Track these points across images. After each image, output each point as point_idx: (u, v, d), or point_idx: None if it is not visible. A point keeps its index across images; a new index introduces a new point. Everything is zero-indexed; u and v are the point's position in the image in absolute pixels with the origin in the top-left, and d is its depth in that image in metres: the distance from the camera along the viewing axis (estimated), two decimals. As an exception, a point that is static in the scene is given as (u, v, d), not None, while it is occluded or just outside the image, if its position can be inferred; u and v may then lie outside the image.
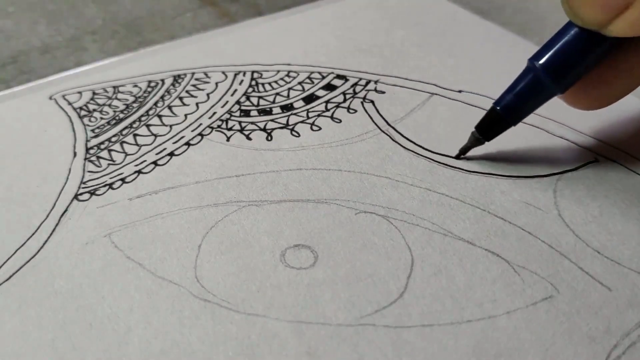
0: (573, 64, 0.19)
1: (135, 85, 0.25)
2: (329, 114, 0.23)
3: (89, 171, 0.21)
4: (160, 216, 0.19)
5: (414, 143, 0.22)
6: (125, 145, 0.22)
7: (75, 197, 0.20)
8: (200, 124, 0.23)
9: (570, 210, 0.19)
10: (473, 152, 0.21)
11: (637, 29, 0.17)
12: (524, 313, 0.16)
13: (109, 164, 0.21)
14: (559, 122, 0.22)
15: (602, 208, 0.19)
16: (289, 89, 0.25)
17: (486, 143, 0.21)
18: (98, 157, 0.21)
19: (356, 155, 0.21)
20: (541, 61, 0.19)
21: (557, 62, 0.19)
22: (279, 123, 0.23)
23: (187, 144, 0.22)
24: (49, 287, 0.17)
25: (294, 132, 0.22)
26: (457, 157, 0.21)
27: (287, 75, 0.26)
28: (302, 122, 0.23)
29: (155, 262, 0.17)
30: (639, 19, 0.16)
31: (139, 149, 0.22)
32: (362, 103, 0.24)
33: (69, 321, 0.16)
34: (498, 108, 0.20)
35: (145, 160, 0.21)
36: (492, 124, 0.20)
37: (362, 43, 0.28)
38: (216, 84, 0.25)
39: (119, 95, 0.25)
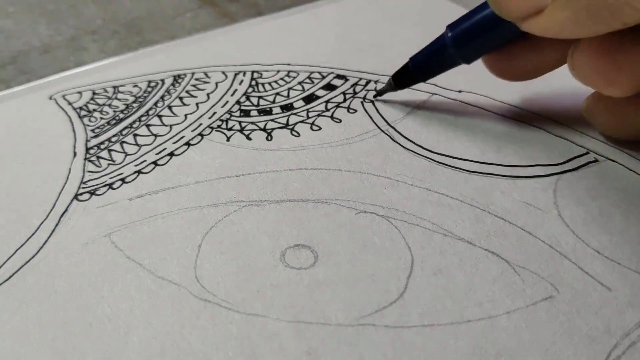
0: (478, 39, 0.20)
1: (135, 85, 0.25)
2: (329, 113, 0.23)
3: (89, 171, 0.21)
4: (160, 216, 0.19)
5: (414, 143, 0.22)
6: (125, 145, 0.22)
7: (75, 197, 0.20)
8: (200, 124, 0.23)
9: (570, 210, 0.19)
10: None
11: (546, 33, 0.18)
12: (524, 313, 0.16)
13: (109, 164, 0.21)
14: (559, 122, 0.22)
15: (602, 208, 0.19)
16: (289, 88, 0.25)
17: (484, 144, 0.21)
18: (98, 157, 0.21)
19: (356, 155, 0.21)
20: (451, 30, 0.21)
21: (463, 34, 0.20)
22: (279, 123, 0.23)
23: (187, 144, 0.22)
24: (49, 287, 0.17)
25: (294, 132, 0.22)
26: (374, 97, 0.24)
27: (287, 75, 0.26)
28: (302, 122, 0.23)
29: (155, 262, 0.17)
30: (548, 26, 0.17)
31: (139, 149, 0.22)
32: (362, 103, 0.24)
33: (69, 321, 0.16)
34: (410, 64, 0.22)
35: (145, 160, 0.21)
36: (404, 76, 0.23)
37: (362, 43, 0.28)
38: (216, 84, 0.25)
39: (119, 95, 0.25)
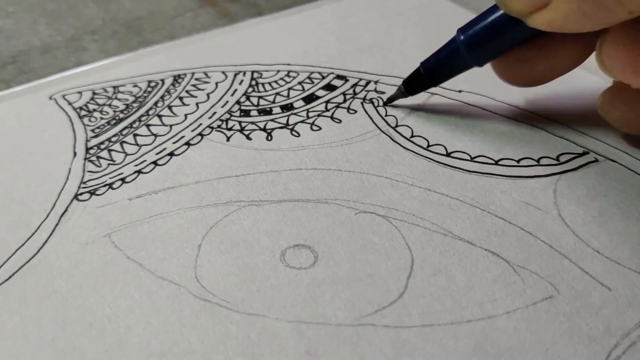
0: (490, 40, 0.20)
1: (135, 85, 0.25)
2: (329, 114, 0.23)
3: (89, 171, 0.21)
4: (160, 216, 0.19)
5: (414, 143, 0.22)
6: (125, 145, 0.22)
7: (75, 197, 0.20)
8: (200, 124, 0.23)
9: (570, 210, 0.19)
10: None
11: (552, 26, 0.18)
12: (524, 313, 0.16)
13: (109, 164, 0.21)
14: (559, 122, 0.22)
15: (602, 208, 0.19)
16: (289, 88, 0.25)
17: (485, 144, 0.21)
18: (98, 157, 0.21)
19: (356, 155, 0.21)
20: (463, 33, 0.21)
21: (476, 37, 0.20)
22: (279, 123, 0.23)
23: (187, 144, 0.22)
24: (49, 287, 0.17)
25: (294, 132, 0.22)
26: (384, 104, 0.24)
27: (287, 75, 0.26)
28: (302, 122, 0.23)
29: (155, 262, 0.17)
30: (553, 19, 0.17)
31: (139, 149, 0.22)
32: (362, 104, 0.24)
33: (69, 321, 0.16)
34: (422, 69, 0.22)
35: (145, 160, 0.21)
36: (415, 82, 0.23)
37: (362, 43, 0.28)
38: (216, 83, 0.25)
39: (119, 95, 0.25)
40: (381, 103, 0.24)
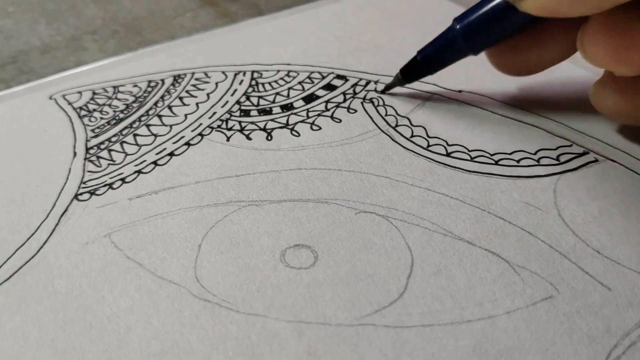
0: (485, 29, 0.21)
1: (135, 85, 0.25)
2: (329, 113, 0.23)
3: (89, 171, 0.21)
4: (160, 216, 0.19)
5: (414, 143, 0.22)
6: (125, 145, 0.22)
7: (75, 197, 0.20)
8: (200, 124, 0.23)
9: (570, 210, 0.19)
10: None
11: (544, 10, 0.18)
12: (524, 313, 0.16)
13: (109, 164, 0.21)
14: (559, 122, 0.22)
15: (602, 208, 0.19)
16: (289, 88, 0.25)
17: (484, 144, 0.21)
18: (98, 157, 0.21)
19: (356, 155, 0.21)
20: (459, 22, 0.21)
21: (471, 25, 0.21)
22: (279, 123, 0.23)
23: (187, 144, 0.22)
24: (49, 287, 0.17)
25: (294, 132, 0.22)
26: (382, 92, 0.24)
27: (287, 75, 0.26)
28: (302, 121, 0.23)
29: (155, 262, 0.17)
30: (544, 3, 0.17)
31: (139, 149, 0.22)
32: (362, 103, 0.24)
33: (69, 321, 0.16)
34: (419, 57, 0.22)
35: (145, 160, 0.21)
36: (412, 70, 0.23)
37: (362, 43, 0.28)
38: (216, 83, 0.25)
39: (119, 95, 0.25)
40: (382, 102, 0.24)
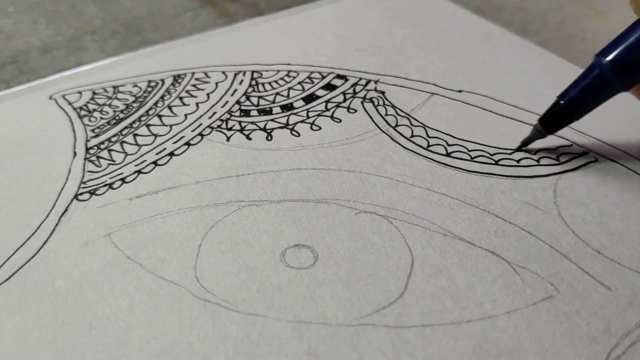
0: (638, 62, 0.19)
1: (135, 85, 0.25)
2: (329, 113, 0.23)
3: (89, 171, 0.21)
4: (160, 216, 0.19)
5: (414, 143, 0.22)
6: (125, 145, 0.22)
7: (75, 197, 0.20)
8: (200, 124, 0.23)
9: (570, 210, 0.19)
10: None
11: None
12: (524, 313, 0.16)
13: (109, 164, 0.21)
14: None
15: (602, 208, 0.19)
16: (289, 88, 0.25)
17: (484, 144, 0.21)
18: (98, 157, 0.21)
19: (356, 155, 0.21)
20: (607, 58, 0.19)
21: (623, 60, 0.19)
22: (279, 123, 0.23)
23: (187, 144, 0.22)
24: (49, 287, 0.17)
25: (294, 132, 0.22)
26: (518, 149, 0.21)
27: (287, 75, 0.26)
28: (302, 121, 0.23)
29: (155, 262, 0.17)
30: None
31: (139, 149, 0.22)
32: (362, 103, 0.24)
33: (69, 321, 0.16)
34: (562, 102, 0.20)
35: (145, 160, 0.21)
36: (555, 118, 0.20)
37: (362, 43, 0.28)
38: (216, 83, 0.25)
39: (119, 95, 0.25)
40: (382, 102, 0.24)
